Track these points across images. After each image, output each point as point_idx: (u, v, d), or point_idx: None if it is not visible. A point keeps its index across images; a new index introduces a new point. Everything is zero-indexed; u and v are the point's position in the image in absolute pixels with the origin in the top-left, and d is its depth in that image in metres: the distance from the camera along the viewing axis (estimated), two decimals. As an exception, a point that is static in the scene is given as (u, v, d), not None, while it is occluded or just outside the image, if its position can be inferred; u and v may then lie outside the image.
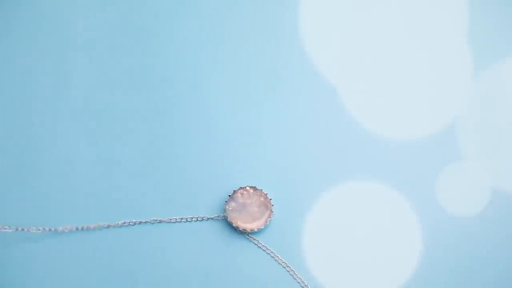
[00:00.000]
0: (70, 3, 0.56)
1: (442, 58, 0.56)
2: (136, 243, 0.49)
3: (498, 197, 0.51)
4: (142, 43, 0.55)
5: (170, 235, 0.49)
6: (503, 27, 0.56)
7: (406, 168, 0.52)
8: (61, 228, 0.49)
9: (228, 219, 0.49)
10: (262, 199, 0.49)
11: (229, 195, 0.49)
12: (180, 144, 0.52)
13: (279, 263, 0.48)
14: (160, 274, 0.48)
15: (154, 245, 0.49)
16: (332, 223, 0.50)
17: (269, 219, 0.49)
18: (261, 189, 0.50)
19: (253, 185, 0.50)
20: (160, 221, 0.49)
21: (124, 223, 0.49)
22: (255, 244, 0.49)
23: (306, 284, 0.48)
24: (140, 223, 0.49)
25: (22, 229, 0.48)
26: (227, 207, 0.49)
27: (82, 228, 0.49)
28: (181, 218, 0.49)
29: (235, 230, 0.49)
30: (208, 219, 0.49)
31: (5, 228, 0.48)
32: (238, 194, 0.49)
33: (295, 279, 0.48)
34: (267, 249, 0.49)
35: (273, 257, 0.49)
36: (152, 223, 0.49)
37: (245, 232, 0.49)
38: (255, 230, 0.48)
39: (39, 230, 0.48)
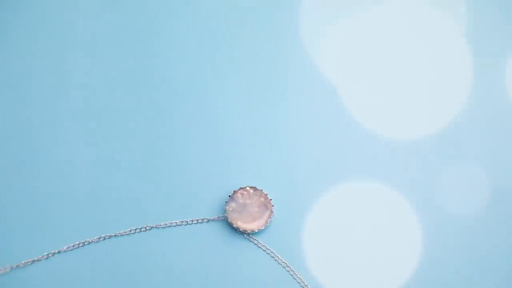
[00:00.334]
0: (70, 3, 0.57)
1: (442, 58, 0.56)
2: (137, 250, 0.49)
3: (499, 197, 0.51)
4: (143, 43, 0.55)
5: (170, 239, 0.49)
6: (503, 27, 0.56)
7: (406, 168, 0.52)
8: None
9: (229, 220, 0.49)
10: (262, 199, 0.49)
11: (229, 196, 0.49)
12: (180, 145, 0.52)
13: (279, 263, 0.48)
14: (161, 278, 0.48)
15: (154, 250, 0.49)
16: (332, 223, 0.50)
17: (269, 220, 0.49)
18: (261, 189, 0.50)
19: (253, 185, 0.50)
20: (160, 227, 0.49)
21: (125, 232, 0.49)
22: (255, 244, 0.49)
23: (306, 284, 0.48)
24: (140, 231, 0.49)
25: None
26: (227, 207, 0.49)
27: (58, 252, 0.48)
28: (181, 222, 0.49)
29: (236, 230, 0.49)
30: (208, 220, 0.49)
31: None
32: (238, 195, 0.49)
33: (295, 279, 0.48)
34: (267, 249, 0.49)
35: (273, 257, 0.49)
36: (151, 229, 0.49)
37: (245, 233, 0.49)
38: (256, 230, 0.48)
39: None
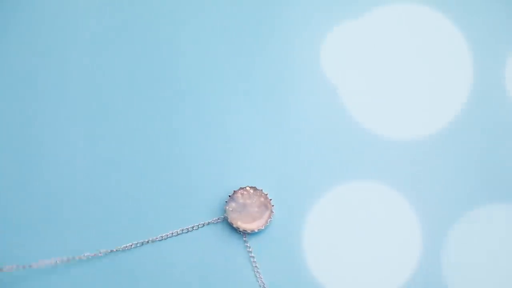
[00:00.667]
0: (70, 3, 0.57)
1: (442, 59, 0.56)
2: (138, 265, 0.49)
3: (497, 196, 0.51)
4: (143, 43, 0.55)
5: (171, 248, 0.49)
6: (503, 27, 0.56)
7: (406, 168, 0.52)
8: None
9: (229, 220, 0.49)
10: (262, 199, 0.49)
11: (229, 196, 0.49)
12: (179, 145, 0.52)
13: (279, 265, 0.48)
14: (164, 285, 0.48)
15: (158, 262, 0.49)
16: (332, 223, 0.50)
17: (269, 220, 0.49)
18: (261, 189, 0.50)
19: (253, 185, 0.50)
20: (162, 239, 0.49)
21: (125, 246, 0.49)
22: (248, 251, 0.49)
23: (305, 284, 0.48)
24: (142, 244, 0.49)
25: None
26: (227, 207, 0.49)
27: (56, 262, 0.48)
28: (182, 230, 0.49)
29: (236, 230, 0.49)
30: (208, 223, 0.49)
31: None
32: (238, 195, 0.49)
33: (295, 279, 0.48)
34: (265, 251, 0.49)
35: (272, 258, 0.49)
36: (154, 242, 0.49)
37: (245, 233, 0.49)
38: (256, 230, 0.48)
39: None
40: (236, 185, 0.50)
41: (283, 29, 0.56)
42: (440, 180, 0.51)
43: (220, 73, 0.55)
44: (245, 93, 0.54)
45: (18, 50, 0.55)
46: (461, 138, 0.53)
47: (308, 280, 0.48)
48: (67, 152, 0.52)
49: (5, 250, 0.48)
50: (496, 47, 0.56)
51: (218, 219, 0.49)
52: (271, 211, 0.49)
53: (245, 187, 0.49)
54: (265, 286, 0.48)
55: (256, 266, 0.48)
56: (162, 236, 0.49)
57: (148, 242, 0.49)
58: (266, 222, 0.49)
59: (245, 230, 0.48)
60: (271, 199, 0.49)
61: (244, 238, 0.49)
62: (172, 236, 0.49)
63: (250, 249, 0.48)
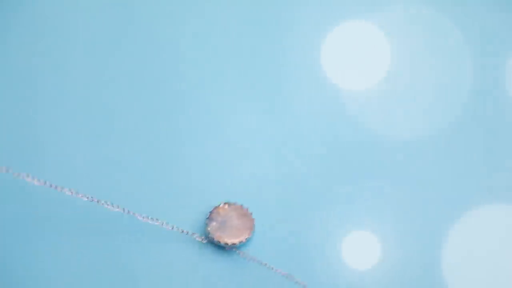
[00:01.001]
0: (71, 3, 0.56)
1: (442, 58, 0.56)
2: None
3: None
4: (143, 44, 0.55)
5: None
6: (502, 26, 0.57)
7: (406, 168, 0.52)
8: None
9: (215, 239, 0.48)
10: (239, 210, 0.49)
11: (207, 218, 0.49)
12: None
13: (272, 271, 0.48)
14: None
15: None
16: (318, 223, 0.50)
17: (253, 228, 0.48)
18: (235, 202, 0.49)
19: (226, 201, 0.49)
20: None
21: None
22: (245, 258, 0.48)
23: (305, 284, 0.48)
24: None
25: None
26: (209, 229, 0.48)
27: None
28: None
29: (224, 248, 0.48)
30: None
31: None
32: (215, 213, 0.49)
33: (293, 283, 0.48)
34: (257, 260, 0.48)
35: (265, 265, 0.48)
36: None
37: (233, 247, 0.48)
38: (244, 241, 0.48)
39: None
40: (210, 205, 0.49)
41: (283, 29, 0.56)
42: (440, 180, 0.52)
43: (220, 72, 0.54)
44: (244, 96, 0.54)
45: (18, 50, 0.54)
46: (461, 138, 0.53)
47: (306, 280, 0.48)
48: (67, 152, 0.51)
49: None
50: (496, 46, 0.56)
51: (202, 239, 0.48)
52: (252, 218, 0.49)
53: (219, 205, 0.49)
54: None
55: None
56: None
57: None
58: (251, 230, 0.48)
59: (234, 244, 0.48)
60: (247, 208, 0.49)
61: (237, 251, 0.48)
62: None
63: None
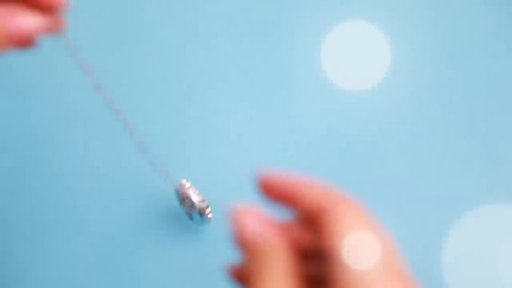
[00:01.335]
0: (71, 3, 0.57)
1: (443, 58, 0.56)
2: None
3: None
4: (143, 43, 0.55)
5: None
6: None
7: (406, 168, 0.52)
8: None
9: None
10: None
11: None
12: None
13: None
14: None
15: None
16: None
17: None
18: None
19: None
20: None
21: None
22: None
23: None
24: None
25: None
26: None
27: None
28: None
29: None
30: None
31: None
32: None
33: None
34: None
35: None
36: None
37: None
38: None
39: None
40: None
41: (283, 29, 0.56)
42: (440, 180, 0.52)
43: (220, 72, 0.54)
44: (244, 94, 0.54)
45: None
46: (461, 138, 0.53)
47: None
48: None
49: None
50: (497, 47, 0.56)
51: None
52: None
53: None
54: None
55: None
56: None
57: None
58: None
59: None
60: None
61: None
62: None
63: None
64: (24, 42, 0.30)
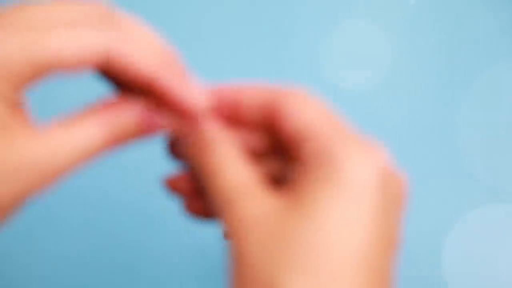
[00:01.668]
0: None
1: (442, 58, 0.56)
2: None
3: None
4: None
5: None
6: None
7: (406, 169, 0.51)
8: None
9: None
10: None
11: None
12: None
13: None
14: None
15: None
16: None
17: None
18: None
19: None
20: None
21: None
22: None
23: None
24: None
25: None
26: None
27: None
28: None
29: None
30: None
31: None
32: None
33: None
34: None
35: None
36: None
37: None
38: None
39: None
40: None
41: (284, 29, 0.56)
42: (440, 180, 0.52)
43: (220, 71, 0.55)
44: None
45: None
46: (461, 138, 0.53)
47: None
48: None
49: None
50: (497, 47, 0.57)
51: None
52: None
53: None
54: None
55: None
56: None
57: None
58: None
59: None
60: None
61: None
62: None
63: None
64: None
